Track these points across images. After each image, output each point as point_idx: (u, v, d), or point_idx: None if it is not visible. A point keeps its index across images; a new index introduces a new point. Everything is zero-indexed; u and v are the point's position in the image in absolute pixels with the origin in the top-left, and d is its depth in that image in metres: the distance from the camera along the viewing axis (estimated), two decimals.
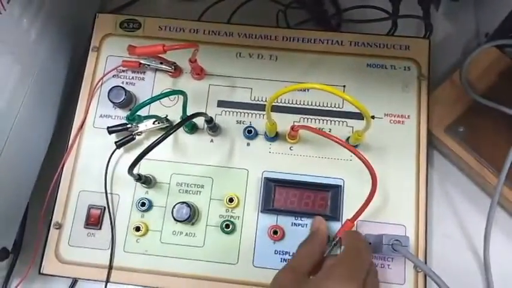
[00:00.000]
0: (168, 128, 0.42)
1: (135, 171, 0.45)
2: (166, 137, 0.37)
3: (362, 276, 0.33)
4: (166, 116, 0.47)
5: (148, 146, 0.37)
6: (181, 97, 0.43)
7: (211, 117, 0.45)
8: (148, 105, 0.48)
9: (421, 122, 0.47)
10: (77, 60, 0.55)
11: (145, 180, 0.45)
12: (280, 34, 0.50)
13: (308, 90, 0.48)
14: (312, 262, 0.36)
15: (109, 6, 0.63)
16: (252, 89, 0.49)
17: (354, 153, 0.37)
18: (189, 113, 0.43)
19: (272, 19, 0.58)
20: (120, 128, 0.46)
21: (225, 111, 0.49)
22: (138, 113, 0.42)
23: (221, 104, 0.49)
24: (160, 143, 0.37)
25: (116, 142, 0.46)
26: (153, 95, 0.48)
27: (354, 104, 0.35)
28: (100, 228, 0.46)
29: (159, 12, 0.62)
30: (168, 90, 0.43)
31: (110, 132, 0.46)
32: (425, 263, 0.43)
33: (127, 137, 0.46)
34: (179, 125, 0.39)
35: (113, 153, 0.46)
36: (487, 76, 0.52)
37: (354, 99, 0.34)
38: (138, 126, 0.46)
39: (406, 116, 0.47)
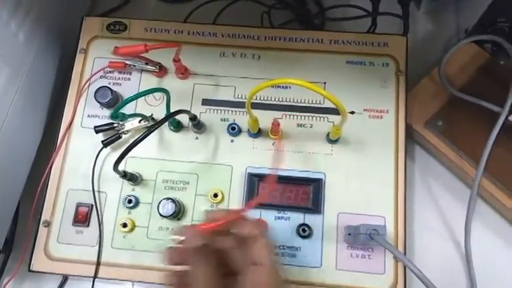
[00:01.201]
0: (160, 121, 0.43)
1: (121, 168, 0.46)
2: (149, 134, 0.39)
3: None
4: (152, 114, 0.48)
5: (131, 143, 0.38)
6: None
7: (194, 115, 0.46)
8: (135, 105, 0.50)
9: (399, 117, 0.48)
10: (66, 62, 0.56)
11: (131, 178, 0.46)
12: (263, 34, 0.52)
13: (290, 87, 0.50)
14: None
15: (98, 10, 0.64)
16: (235, 87, 0.50)
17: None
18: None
19: (257, 20, 0.60)
20: (107, 127, 0.47)
21: (210, 109, 0.50)
22: (123, 112, 0.43)
23: (205, 102, 0.50)
24: (143, 140, 0.39)
25: (102, 141, 0.47)
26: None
27: (329, 98, 0.36)
28: (88, 226, 0.47)
29: (147, 15, 0.63)
30: (153, 88, 0.44)
31: (97, 132, 0.47)
32: (405, 253, 0.44)
33: (113, 135, 0.47)
34: (161, 122, 0.40)
35: (99, 152, 0.47)
36: (466, 71, 0.54)
37: (329, 93, 0.35)
38: (124, 125, 0.47)
39: (385, 111, 0.48)
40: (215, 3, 0.61)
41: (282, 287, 0.32)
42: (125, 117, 0.46)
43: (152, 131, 0.39)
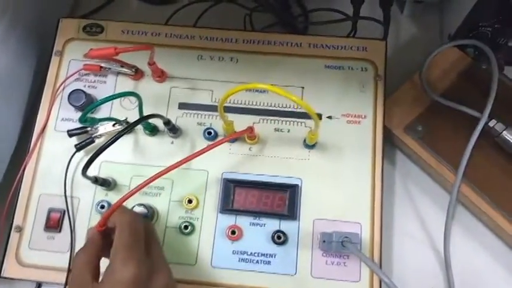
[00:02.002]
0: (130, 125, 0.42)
1: (93, 173, 0.45)
2: (117, 138, 0.38)
3: (140, 246, 0.34)
4: (126, 118, 0.47)
5: (98, 149, 0.37)
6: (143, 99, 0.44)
7: (168, 119, 0.45)
8: (110, 108, 0.49)
9: (377, 122, 0.48)
10: (45, 64, 0.55)
11: (104, 183, 0.45)
12: (241, 37, 0.51)
13: (267, 91, 0.49)
14: (91, 268, 0.34)
15: (79, 11, 0.63)
16: (212, 91, 0.50)
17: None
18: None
19: (240, 22, 0.59)
20: (80, 131, 0.46)
21: (186, 113, 0.49)
22: (93, 116, 0.42)
23: (182, 106, 0.49)
24: (110, 145, 0.38)
25: (75, 145, 0.46)
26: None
27: (300, 104, 0.35)
28: (60, 231, 0.46)
29: (129, 17, 0.62)
30: (122, 91, 0.43)
31: (70, 136, 0.46)
32: (380, 260, 0.44)
33: (86, 139, 0.46)
34: (130, 126, 0.40)
35: (72, 156, 0.46)
36: (447, 76, 0.53)
37: (299, 99, 0.35)
38: (97, 129, 0.46)
39: (363, 116, 0.48)
40: (198, 5, 0.61)
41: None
42: (95, 121, 0.45)
43: (121, 136, 0.38)
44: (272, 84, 0.47)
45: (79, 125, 0.47)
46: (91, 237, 0.36)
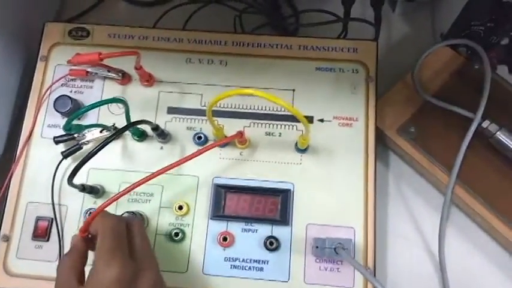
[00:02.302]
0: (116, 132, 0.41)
1: (80, 181, 0.44)
2: (103, 146, 0.37)
3: (123, 249, 0.34)
4: (114, 124, 0.46)
5: (84, 158, 0.36)
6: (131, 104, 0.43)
7: (156, 125, 0.44)
8: (97, 114, 0.48)
9: (369, 124, 0.47)
10: (31, 70, 0.54)
11: (91, 190, 0.44)
12: (230, 39, 0.50)
13: None
14: (76, 273, 0.35)
15: (66, 15, 0.62)
16: (202, 94, 0.49)
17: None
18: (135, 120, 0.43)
19: (230, 24, 0.58)
20: (67, 137, 0.45)
21: (175, 118, 0.48)
22: (78, 123, 0.42)
23: (171, 110, 0.48)
24: (97, 153, 0.37)
25: (62, 152, 0.45)
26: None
27: (289, 110, 0.34)
28: (48, 240, 0.45)
29: (117, 19, 0.61)
30: (107, 99, 0.42)
31: (57, 142, 0.45)
32: (374, 264, 0.43)
33: (73, 146, 0.45)
34: (117, 133, 0.39)
35: (59, 163, 0.45)
36: (440, 76, 0.53)
37: (289, 105, 0.34)
38: (85, 136, 0.46)
39: (355, 119, 0.47)
40: (187, 6, 0.60)
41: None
42: (80, 128, 0.44)
43: (107, 144, 0.37)
44: (262, 88, 0.48)
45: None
46: (75, 243, 0.36)
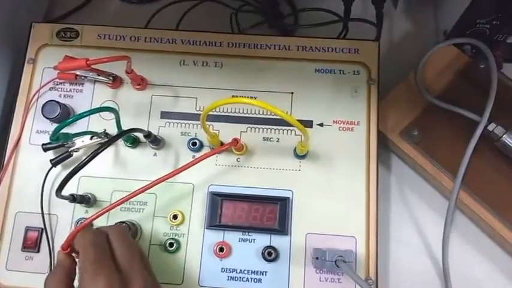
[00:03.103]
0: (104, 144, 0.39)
1: (71, 189, 0.43)
2: (92, 159, 0.35)
3: (107, 261, 0.33)
4: (104, 130, 0.44)
5: (74, 169, 0.35)
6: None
7: (148, 132, 0.42)
8: (87, 120, 0.46)
9: (371, 129, 0.45)
10: (19, 73, 0.52)
11: (82, 200, 0.43)
12: (226, 40, 0.48)
13: (255, 97, 0.46)
14: None
15: (55, 14, 0.60)
16: (197, 98, 0.47)
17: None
18: (128, 126, 0.41)
19: (225, 23, 0.56)
20: (56, 144, 0.43)
21: (169, 123, 0.46)
22: (66, 132, 0.40)
23: (164, 115, 0.47)
24: (85, 166, 0.35)
25: (51, 160, 0.43)
26: (91, 108, 0.46)
27: (287, 119, 0.33)
28: (38, 251, 0.44)
29: (109, 18, 0.59)
30: (98, 107, 0.40)
31: (45, 150, 0.43)
32: (377, 275, 0.42)
33: (63, 154, 0.43)
34: (107, 144, 0.37)
35: (48, 172, 0.44)
36: (444, 76, 0.51)
37: (286, 113, 0.33)
38: (74, 143, 0.44)
39: (356, 123, 0.45)
40: (180, 4, 0.58)
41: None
42: (68, 137, 0.42)
43: (96, 155, 0.35)
44: (259, 91, 0.46)
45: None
46: (59, 260, 0.36)
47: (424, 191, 0.51)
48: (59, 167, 0.44)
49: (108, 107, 0.40)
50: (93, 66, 0.40)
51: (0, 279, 0.44)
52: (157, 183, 0.38)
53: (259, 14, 0.57)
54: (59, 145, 0.43)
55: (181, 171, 0.39)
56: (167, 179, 0.39)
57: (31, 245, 0.44)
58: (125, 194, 0.43)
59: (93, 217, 0.35)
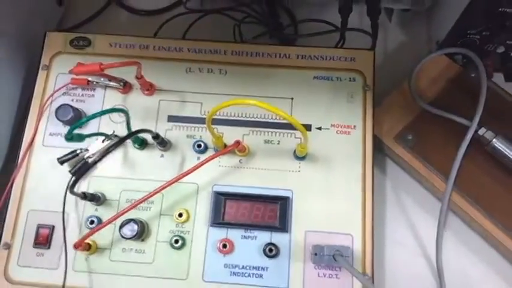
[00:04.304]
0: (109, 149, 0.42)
1: (82, 189, 0.45)
2: (102, 158, 0.38)
3: None
4: (114, 132, 0.47)
5: (86, 167, 0.37)
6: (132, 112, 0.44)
7: (156, 133, 0.45)
8: (98, 123, 0.49)
9: (366, 132, 0.48)
10: (33, 78, 0.54)
11: (92, 198, 0.45)
12: (230, 48, 0.51)
13: None
14: None
15: (68, 23, 0.63)
16: (202, 103, 0.49)
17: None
18: (136, 128, 0.43)
19: (229, 33, 0.59)
20: (71, 156, 0.45)
21: (175, 126, 0.49)
22: (79, 133, 0.42)
23: (171, 119, 0.49)
24: (95, 164, 0.37)
25: (69, 171, 0.44)
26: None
27: (287, 119, 0.35)
28: (49, 248, 0.46)
29: (118, 29, 0.62)
30: (111, 107, 0.43)
31: (61, 163, 0.45)
32: (372, 271, 0.44)
33: (80, 163, 0.44)
34: (117, 144, 0.39)
35: (70, 181, 0.44)
36: (437, 84, 0.53)
37: (287, 114, 0.35)
38: (88, 150, 0.45)
39: (352, 126, 0.48)
40: (187, 16, 0.60)
41: None
42: (81, 138, 0.44)
43: (106, 155, 0.37)
44: (261, 96, 0.49)
45: (67, 146, 0.46)
46: None
47: (418, 194, 0.53)
48: (66, 165, 0.46)
49: (119, 108, 0.43)
50: (105, 71, 0.43)
51: (12, 274, 0.45)
52: (165, 187, 0.40)
53: (261, 25, 0.60)
54: (74, 156, 0.45)
55: (187, 174, 0.42)
56: (174, 182, 0.41)
57: (42, 241, 0.46)
58: (133, 194, 0.46)
59: (110, 220, 0.36)
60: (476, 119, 0.48)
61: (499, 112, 0.50)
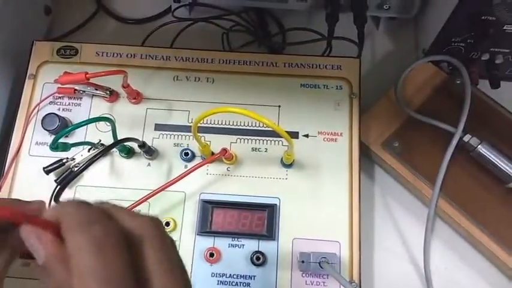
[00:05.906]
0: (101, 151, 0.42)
1: (69, 198, 0.44)
2: (88, 166, 0.37)
3: (113, 238, 0.22)
4: (100, 141, 0.47)
5: (71, 175, 0.37)
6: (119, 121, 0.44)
7: (143, 142, 0.45)
8: (84, 132, 0.48)
9: (353, 139, 0.48)
10: (20, 87, 0.54)
11: None
12: (217, 57, 0.51)
13: None
14: None
15: (55, 33, 0.63)
16: (189, 111, 0.49)
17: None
18: (123, 137, 0.43)
19: (217, 42, 0.59)
20: (57, 165, 0.45)
21: (163, 135, 0.49)
22: (64, 142, 0.42)
23: (158, 127, 0.49)
24: (82, 172, 0.37)
25: (55, 180, 0.44)
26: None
27: (273, 127, 0.35)
28: (35, 258, 0.45)
29: (106, 38, 0.62)
30: (93, 117, 0.43)
31: (47, 173, 0.45)
32: (360, 278, 0.44)
33: (66, 172, 0.44)
34: (102, 152, 0.39)
35: (58, 193, 0.43)
36: (423, 91, 0.54)
37: (271, 121, 0.35)
38: (74, 159, 0.45)
39: (339, 134, 0.48)
40: (175, 24, 0.61)
41: None
42: (67, 147, 0.44)
43: (92, 163, 0.37)
44: (249, 104, 0.49)
45: (53, 155, 0.46)
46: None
47: (406, 200, 0.53)
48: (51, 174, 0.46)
49: (105, 117, 0.42)
50: (91, 80, 0.43)
51: None
52: (152, 196, 0.40)
53: (250, 34, 0.60)
54: (60, 165, 0.45)
55: (174, 182, 0.42)
56: (161, 190, 0.41)
57: (28, 252, 0.45)
58: (119, 203, 0.46)
59: None
60: (461, 125, 0.49)
61: (484, 118, 0.51)
